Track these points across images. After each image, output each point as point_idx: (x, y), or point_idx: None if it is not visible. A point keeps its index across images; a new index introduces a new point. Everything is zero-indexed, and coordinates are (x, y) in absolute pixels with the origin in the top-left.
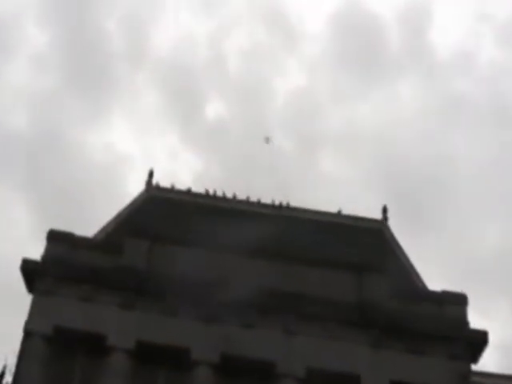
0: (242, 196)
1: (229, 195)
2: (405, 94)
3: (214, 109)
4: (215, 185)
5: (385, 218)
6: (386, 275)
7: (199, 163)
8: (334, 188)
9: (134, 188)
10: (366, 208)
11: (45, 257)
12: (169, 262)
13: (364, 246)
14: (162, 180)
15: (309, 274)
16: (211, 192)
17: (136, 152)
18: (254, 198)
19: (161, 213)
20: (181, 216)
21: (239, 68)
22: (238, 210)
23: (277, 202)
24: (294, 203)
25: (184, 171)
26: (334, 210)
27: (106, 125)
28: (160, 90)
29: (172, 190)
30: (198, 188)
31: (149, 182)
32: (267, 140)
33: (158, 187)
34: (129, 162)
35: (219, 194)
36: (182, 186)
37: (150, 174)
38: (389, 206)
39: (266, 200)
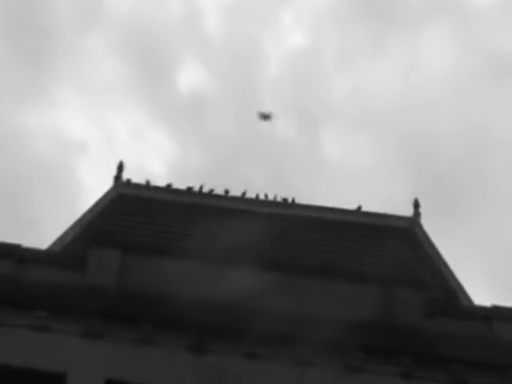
0: (233, 191)
1: (218, 191)
2: (430, 54)
3: (189, 78)
4: (197, 176)
5: (416, 215)
6: (420, 288)
7: (175, 148)
8: (345, 178)
9: (92, 184)
10: (389, 202)
11: None
12: (146, 278)
13: (391, 251)
14: (129, 171)
15: (321, 288)
16: (196, 187)
17: (91, 136)
18: (250, 194)
19: (134, 216)
20: (159, 219)
21: (220, 26)
22: (230, 210)
23: (278, 198)
24: (298, 199)
25: (156, 159)
26: (348, 205)
27: (51, 102)
28: (120, 55)
29: (147, 187)
30: (174, 179)
31: (117, 177)
32: (263, 116)
33: (128, 183)
34: (83, 150)
35: (206, 189)
36: (154, 177)
37: (120, 167)
38: (415, 197)
39: (264, 195)
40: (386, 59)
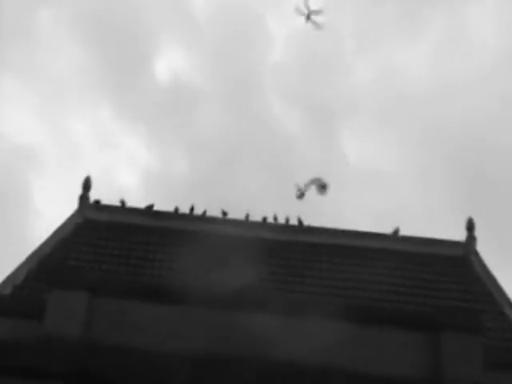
0: (231, 209)
1: (212, 211)
2: (477, 29)
3: (170, 68)
4: (182, 189)
5: (471, 239)
6: (478, 334)
7: (153, 155)
8: (368, 185)
9: (50, 205)
10: (425, 216)
11: None
12: (120, 328)
13: (440, 286)
14: (97, 188)
15: (354, 336)
16: (184, 206)
17: (45, 142)
18: (253, 215)
19: (105, 247)
20: (137, 251)
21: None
22: (229, 237)
23: (291, 220)
24: (312, 216)
25: (130, 170)
26: (379, 228)
27: None
28: (81, 39)
29: (121, 209)
30: (155, 196)
31: (83, 197)
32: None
33: (97, 205)
34: (34, 160)
35: (198, 210)
36: (128, 193)
37: (86, 184)
38: (469, 217)
39: (273, 217)
40: (419, 39)
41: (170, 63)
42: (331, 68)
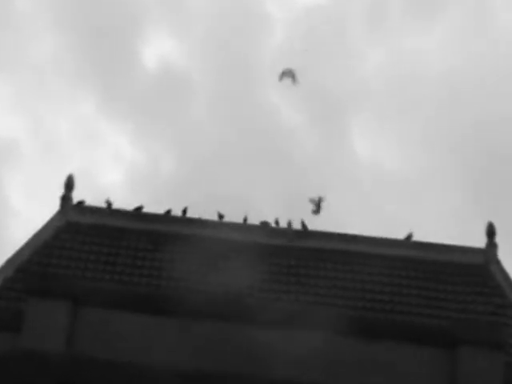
0: (228, 211)
1: (207, 214)
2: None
3: (159, 54)
4: (173, 188)
5: (491, 246)
6: (499, 350)
7: (141, 151)
8: (379, 186)
9: (28, 206)
10: (443, 222)
11: None
12: (105, 340)
13: (458, 297)
14: (79, 187)
15: (362, 352)
16: (176, 208)
17: (22, 137)
18: (251, 218)
19: (89, 252)
20: (125, 257)
21: None
22: (226, 242)
23: (294, 224)
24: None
25: (115, 167)
26: (391, 233)
27: None
28: (62, 26)
29: (107, 211)
30: (142, 196)
31: (65, 198)
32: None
33: (81, 206)
34: (10, 156)
35: (191, 213)
36: (113, 193)
37: (68, 184)
38: (489, 221)
39: (274, 221)
40: (441, 18)
41: (158, 50)
42: (337, 54)
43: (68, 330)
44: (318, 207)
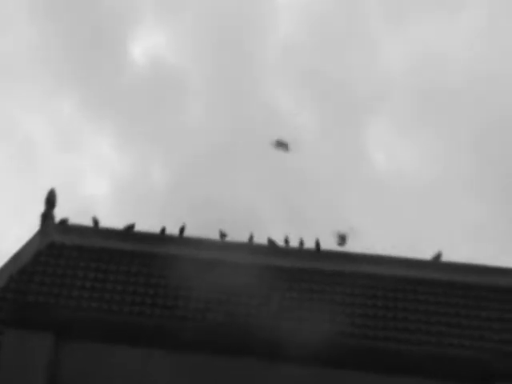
0: (230, 228)
1: (206, 230)
2: None
3: (148, 49)
4: (165, 206)
5: None
6: None
7: (127, 158)
8: (399, 196)
9: (2, 224)
10: (474, 235)
11: None
12: (92, 376)
13: (494, 326)
14: (60, 202)
15: None
16: (172, 227)
17: None
18: (258, 236)
19: (73, 277)
20: (113, 283)
21: None
22: (229, 264)
23: (306, 243)
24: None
25: (100, 177)
26: (416, 252)
27: None
28: (41, 18)
29: (94, 230)
30: (129, 211)
31: (46, 216)
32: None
33: (64, 225)
34: None
35: (189, 231)
36: (99, 208)
37: (50, 199)
38: None
39: (284, 239)
40: (465, 13)
41: (146, 44)
42: (351, 51)
43: (50, 366)
44: (343, 241)
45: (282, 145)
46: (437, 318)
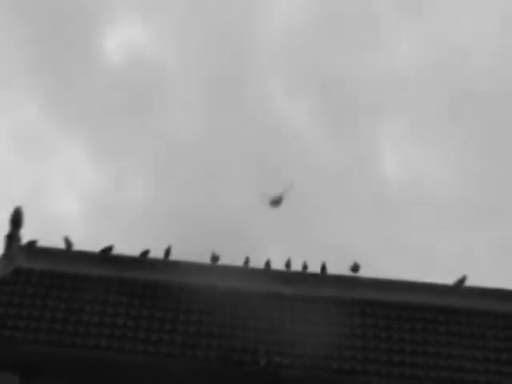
0: (224, 258)
1: (196, 252)
2: None
3: (125, 43)
4: (145, 224)
5: None
6: None
7: (102, 170)
8: (419, 217)
9: None
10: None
11: None
12: None
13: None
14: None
15: None
16: (157, 249)
17: None
18: (254, 260)
19: (44, 308)
20: (90, 314)
21: None
22: (219, 292)
23: (311, 267)
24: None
25: (69, 191)
26: (437, 276)
27: None
28: (10, 12)
29: (66, 253)
30: (104, 230)
31: (11, 237)
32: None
33: (32, 248)
34: None
35: (176, 253)
36: (64, 227)
37: (15, 219)
38: None
39: (285, 263)
40: (486, 7)
41: (123, 38)
42: (356, 45)
43: None
44: (356, 270)
45: (276, 202)
46: (458, 350)
